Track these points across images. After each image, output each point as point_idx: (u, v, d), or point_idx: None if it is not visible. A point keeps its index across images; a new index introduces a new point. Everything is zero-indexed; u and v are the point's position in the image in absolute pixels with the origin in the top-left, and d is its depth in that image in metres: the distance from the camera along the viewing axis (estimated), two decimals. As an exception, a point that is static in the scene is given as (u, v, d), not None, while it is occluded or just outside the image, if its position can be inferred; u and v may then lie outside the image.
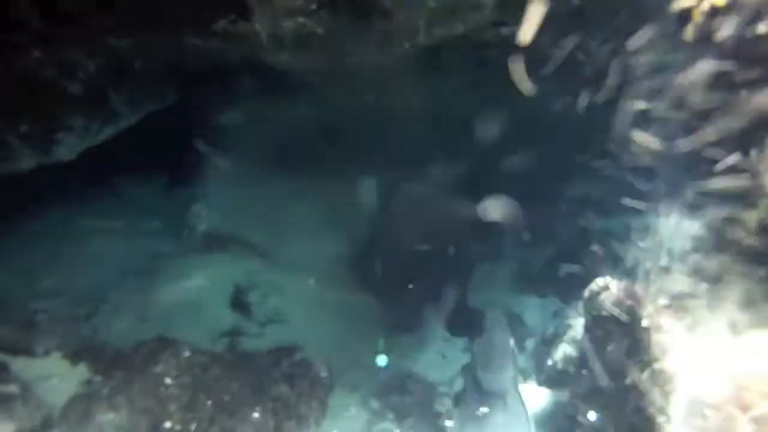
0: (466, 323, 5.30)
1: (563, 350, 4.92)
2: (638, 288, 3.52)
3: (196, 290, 5.66)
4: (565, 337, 5.06)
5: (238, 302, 5.70)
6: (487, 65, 5.55)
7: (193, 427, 3.59)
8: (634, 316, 3.40)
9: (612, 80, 4.17)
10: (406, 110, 6.92)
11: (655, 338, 3.24)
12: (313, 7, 3.89)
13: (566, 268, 6.72)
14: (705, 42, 3.38)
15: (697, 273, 3.28)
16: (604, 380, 3.73)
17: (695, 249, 3.35)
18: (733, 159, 3.22)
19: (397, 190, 5.99)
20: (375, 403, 4.81)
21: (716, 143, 3.35)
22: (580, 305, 5.38)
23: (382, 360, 4.72)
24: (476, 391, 4.51)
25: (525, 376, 5.33)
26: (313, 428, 4.03)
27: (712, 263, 3.24)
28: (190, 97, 6.12)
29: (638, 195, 4.17)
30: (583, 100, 4.50)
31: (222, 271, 5.88)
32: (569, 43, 4.57)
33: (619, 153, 4.15)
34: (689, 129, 3.54)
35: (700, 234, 3.39)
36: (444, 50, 5.06)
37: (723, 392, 2.85)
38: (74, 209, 6.41)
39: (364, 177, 6.36)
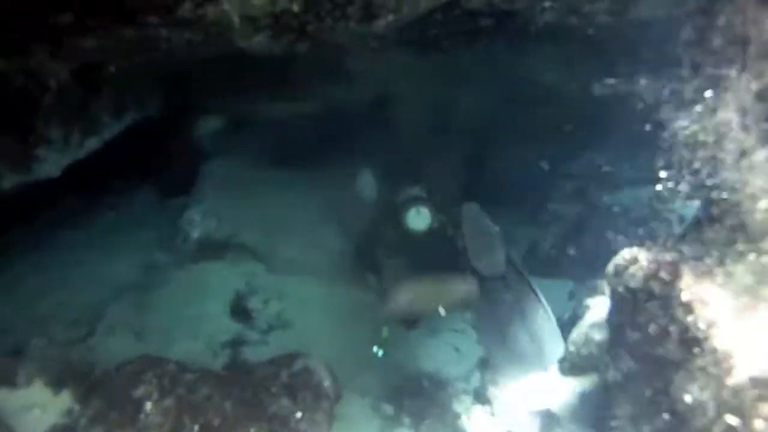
0: None
1: (584, 334, 4.33)
2: (671, 256, 2.94)
3: (195, 301, 5.13)
4: (586, 320, 4.47)
5: (239, 310, 5.16)
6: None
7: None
8: (671, 290, 2.82)
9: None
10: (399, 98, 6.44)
11: (699, 313, 2.67)
12: (284, -22, 3.34)
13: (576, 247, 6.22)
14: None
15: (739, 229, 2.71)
16: (636, 365, 3.17)
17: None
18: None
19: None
20: (388, 408, 4.25)
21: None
22: (599, 284, 4.87)
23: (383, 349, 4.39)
24: None
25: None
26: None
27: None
28: (175, 103, 5.61)
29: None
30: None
31: (220, 278, 5.35)
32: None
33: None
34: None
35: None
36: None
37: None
38: (66, 226, 5.93)
39: (361, 168, 5.86)
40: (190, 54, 4.51)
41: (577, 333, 4.48)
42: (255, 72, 5.19)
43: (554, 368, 4.55)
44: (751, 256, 2.72)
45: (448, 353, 5.00)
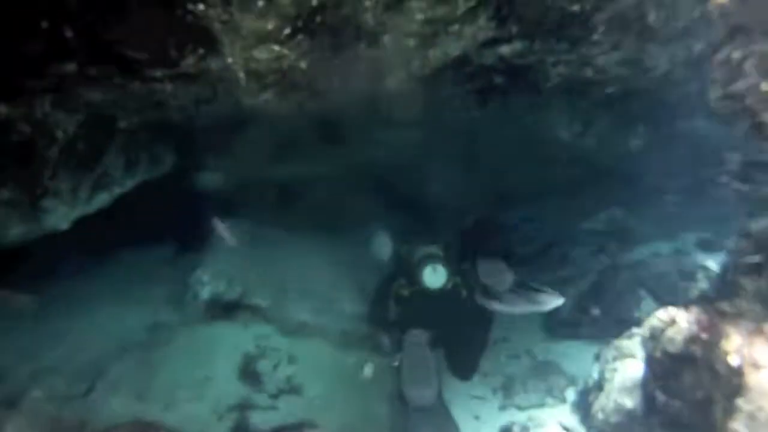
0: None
1: (614, 400, 3.84)
2: (711, 314, 2.52)
3: (202, 361, 4.75)
4: (615, 385, 3.98)
5: (247, 372, 4.75)
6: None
7: None
8: (716, 353, 2.39)
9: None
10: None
11: (752, 378, 2.23)
12: (287, 32, 3.15)
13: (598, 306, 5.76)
14: None
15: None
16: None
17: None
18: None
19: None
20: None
21: None
22: (625, 344, 4.40)
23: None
24: None
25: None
26: None
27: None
28: (188, 161, 5.41)
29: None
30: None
31: (229, 339, 4.97)
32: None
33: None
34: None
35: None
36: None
37: None
38: (77, 278, 5.67)
39: (377, 230, 5.60)
40: (200, 112, 4.36)
41: (606, 399, 3.99)
42: (267, 132, 5.02)
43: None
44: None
45: (467, 421, 4.52)
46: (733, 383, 2.31)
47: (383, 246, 5.49)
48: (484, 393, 4.95)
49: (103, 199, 4.64)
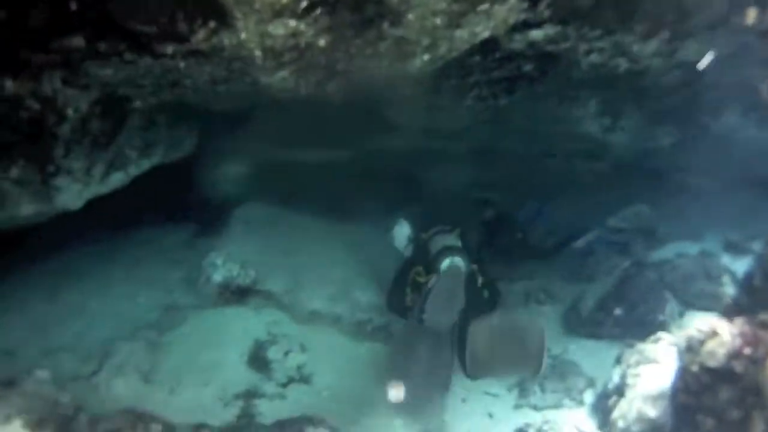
0: None
1: (637, 409, 3.50)
2: (758, 328, 2.18)
3: (211, 346, 4.56)
4: (637, 391, 3.65)
5: (257, 359, 4.53)
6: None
7: None
8: (761, 370, 2.06)
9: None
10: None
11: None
12: (304, 4, 2.85)
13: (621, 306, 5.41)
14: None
15: None
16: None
17: None
18: None
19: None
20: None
21: None
22: (648, 348, 4.07)
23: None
24: None
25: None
26: None
27: None
28: (210, 144, 5.19)
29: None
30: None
31: (240, 324, 4.77)
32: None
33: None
34: None
35: None
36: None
37: None
38: (93, 258, 5.50)
39: (396, 218, 5.31)
40: (218, 93, 4.11)
41: (628, 406, 3.66)
42: (290, 117, 4.77)
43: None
44: None
45: (480, 420, 4.23)
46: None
47: (402, 234, 5.20)
48: (498, 390, 4.65)
49: (118, 179, 4.46)
